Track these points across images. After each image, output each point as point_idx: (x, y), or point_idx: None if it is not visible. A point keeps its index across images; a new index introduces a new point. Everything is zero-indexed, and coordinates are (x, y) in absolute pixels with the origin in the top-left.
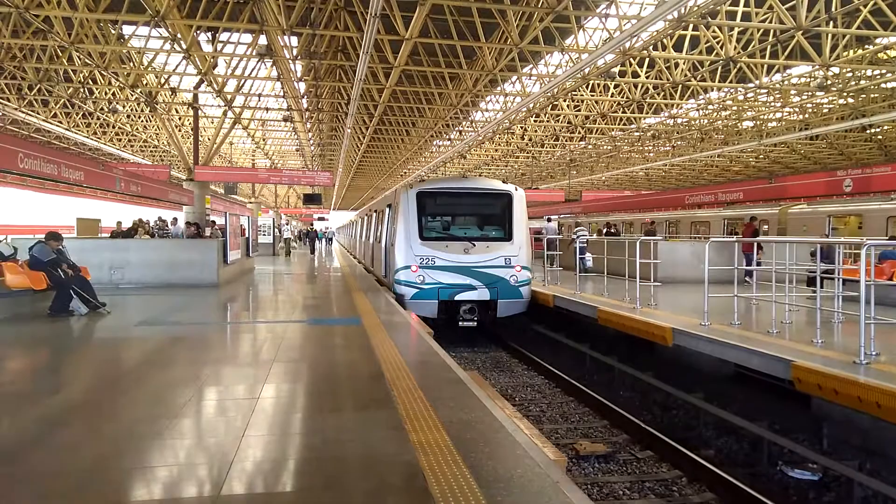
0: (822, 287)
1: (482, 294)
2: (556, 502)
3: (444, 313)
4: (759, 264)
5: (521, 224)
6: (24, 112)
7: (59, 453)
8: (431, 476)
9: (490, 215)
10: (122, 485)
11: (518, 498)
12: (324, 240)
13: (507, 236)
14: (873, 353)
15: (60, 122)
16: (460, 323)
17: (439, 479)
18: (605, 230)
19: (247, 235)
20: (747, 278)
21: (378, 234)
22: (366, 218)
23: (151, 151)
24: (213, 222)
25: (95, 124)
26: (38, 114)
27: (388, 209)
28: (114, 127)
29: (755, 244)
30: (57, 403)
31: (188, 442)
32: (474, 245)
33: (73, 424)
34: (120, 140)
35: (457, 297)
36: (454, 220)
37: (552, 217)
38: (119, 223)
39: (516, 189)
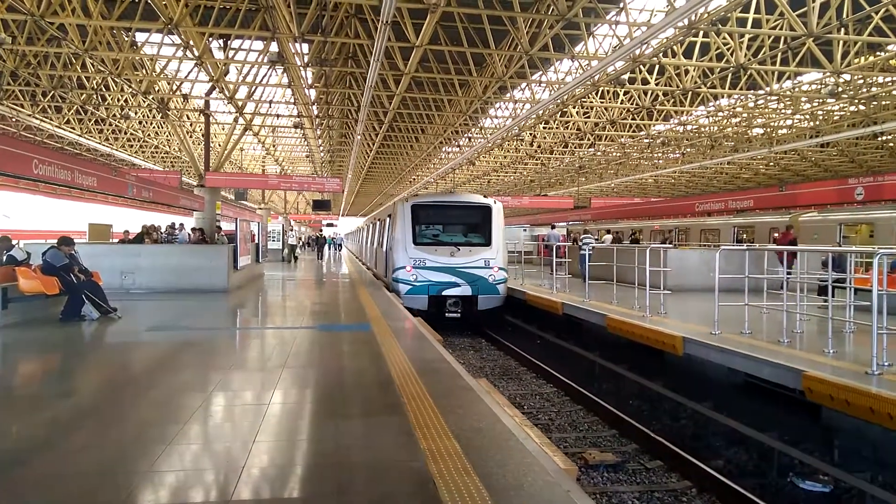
0: (833, 296)
1: (465, 290)
2: None
3: (433, 306)
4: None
5: (499, 232)
6: (37, 118)
7: (70, 457)
8: (442, 483)
9: (473, 224)
10: (133, 489)
11: None
12: (332, 246)
13: (487, 242)
14: (886, 363)
15: (73, 129)
16: (446, 314)
17: (450, 487)
18: (625, 238)
19: (256, 241)
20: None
21: (380, 239)
22: (370, 226)
23: (163, 157)
24: (219, 228)
25: (108, 130)
26: (51, 120)
27: (388, 219)
28: (126, 133)
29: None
30: (67, 407)
31: (199, 447)
32: (459, 249)
33: (84, 428)
34: (132, 146)
35: (444, 293)
36: (443, 228)
37: (556, 224)
38: (126, 232)
39: (495, 202)
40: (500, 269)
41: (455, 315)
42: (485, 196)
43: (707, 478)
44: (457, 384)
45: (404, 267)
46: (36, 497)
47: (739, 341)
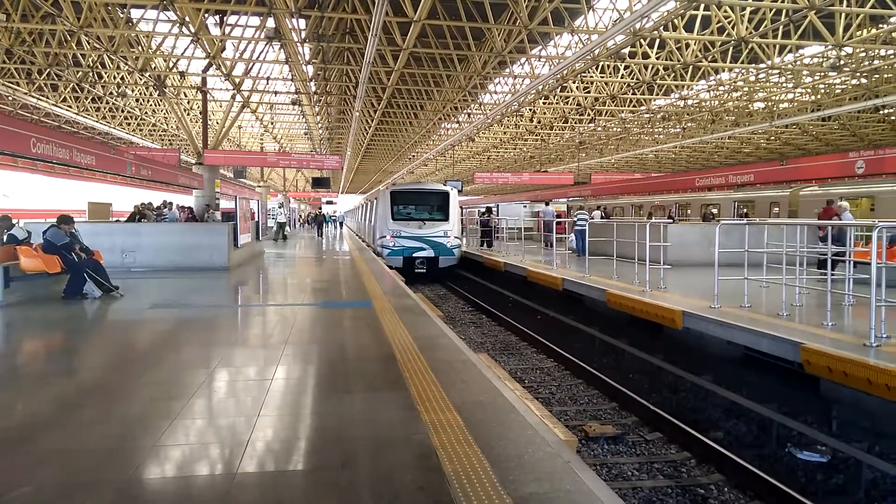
0: (833, 269)
1: (429, 253)
2: (568, 481)
3: (406, 264)
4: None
5: (455, 210)
6: (34, 97)
7: (76, 433)
8: (444, 455)
9: (436, 205)
10: (139, 464)
11: (530, 477)
12: (331, 223)
13: (446, 218)
14: (884, 335)
15: (70, 107)
16: (415, 270)
17: (452, 458)
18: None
19: (256, 219)
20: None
21: (369, 216)
22: (363, 206)
23: (160, 135)
24: (209, 207)
25: (104, 108)
26: (47, 98)
27: (376, 201)
28: (123, 111)
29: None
30: (72, 384)
31: (204, 422)
32: (425, 223)
33: (89, 405)
34: (129, 124)
35: (414, 255)
36: (415, 208)
37: (550, 201)
38: (118, 221)
39: (452, 189)
40: (455, 237)
41: (422, 271)
42: (444, 184)
43: (706, 449)
44: (458, 359)
45: (385, 236)
46: (43, 472)
47: (739, 315)
